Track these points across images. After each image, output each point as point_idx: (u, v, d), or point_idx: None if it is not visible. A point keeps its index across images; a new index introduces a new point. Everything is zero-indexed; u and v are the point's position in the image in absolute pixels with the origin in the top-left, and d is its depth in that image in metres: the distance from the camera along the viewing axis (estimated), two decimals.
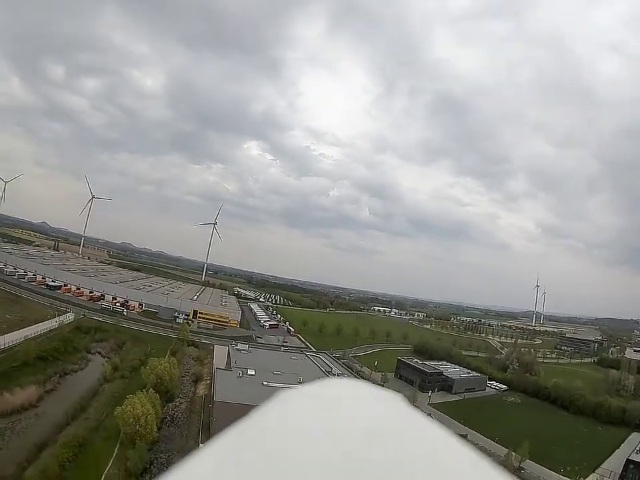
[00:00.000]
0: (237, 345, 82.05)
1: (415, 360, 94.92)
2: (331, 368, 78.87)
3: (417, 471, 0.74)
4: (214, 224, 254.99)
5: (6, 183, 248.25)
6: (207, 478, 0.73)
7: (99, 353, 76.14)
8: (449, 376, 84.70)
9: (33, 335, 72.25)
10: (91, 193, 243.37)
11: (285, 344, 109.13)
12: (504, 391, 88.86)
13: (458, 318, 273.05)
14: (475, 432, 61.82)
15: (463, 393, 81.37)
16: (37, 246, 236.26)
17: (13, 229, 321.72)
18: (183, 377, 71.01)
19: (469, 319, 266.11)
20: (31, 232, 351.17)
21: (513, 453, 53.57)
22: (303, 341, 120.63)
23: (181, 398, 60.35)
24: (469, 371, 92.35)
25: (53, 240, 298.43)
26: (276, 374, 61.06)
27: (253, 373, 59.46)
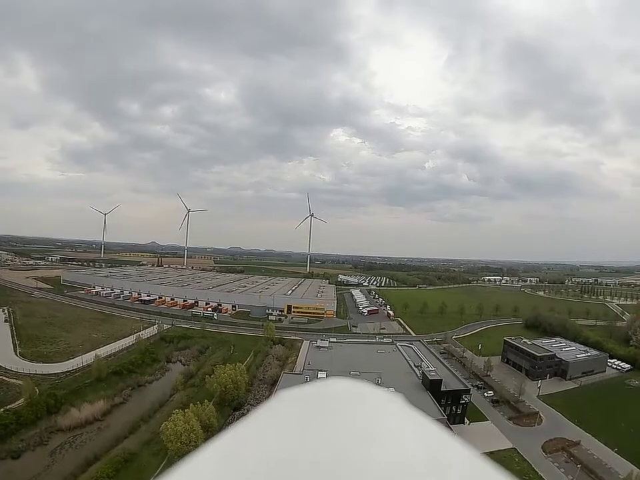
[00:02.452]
0: (316, 342, 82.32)
1: (524, 340, 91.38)
2: (422, 360, 74.48)
3: (417, 471, 0.84)
4: (310, 215, 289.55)
5: (105, 214, 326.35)
6: (206, 478, 0.86)
7: (180, 361, 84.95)
8: (563, 358, 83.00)
9: (114, 351, 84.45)
10: (186, 207, 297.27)
11: (382, 331, 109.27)
12: (627, 371, 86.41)
13: (572, 280, 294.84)
14: (590, 436, 56.42)
15: (579, 377, 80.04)
16: (142, 265, 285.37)
17: (120, 253, 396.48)
18: (262, 379, 74.50)
19: (584, 280, 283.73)
20: (139, 253, 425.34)
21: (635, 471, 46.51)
22: (403, 326, 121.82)
23: (251, 404, 62.39)
24: (587, 349, 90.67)
25: (160, 257, 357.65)
26: (353, 374, 58.40)
27: (324, 376, 57.59)
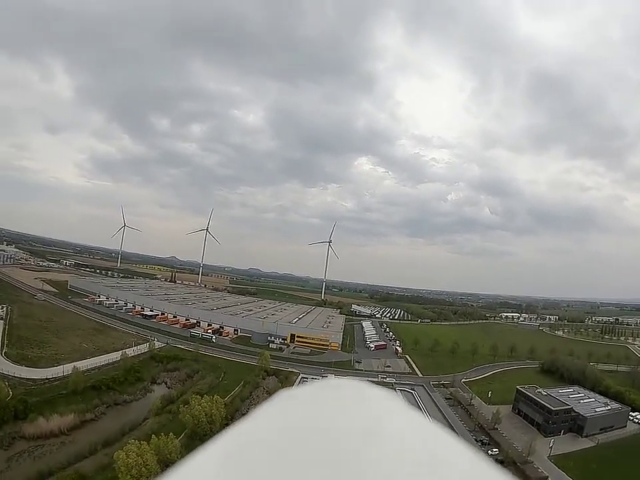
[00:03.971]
0: (307, 379, 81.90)
1: (538, 391, 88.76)
2: (421, 410, 72.00)
3: (416, 471, 0.90)
4: (329, 242, 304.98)
5: (125, 227, 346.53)
6: (207, 478, 0.91)
7: (165, 383, 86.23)
8: (580, 413, 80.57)
9: (99, 364, 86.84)
10: (208, 226, 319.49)
11: (386, 369, 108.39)
12: None
13: (592, 319, 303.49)
14: None
15: (597, 434, 77.88)
16: (155, 278, 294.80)
17: (137, 265, 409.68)
18: (245, 414, 74.09)
19: (604, 319, 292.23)
20: (157, 266, 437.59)
21: None
22: (410, 364, 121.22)
23: None
24: (606, 401, 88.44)
25: (178, 272, 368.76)
26: None
27: None
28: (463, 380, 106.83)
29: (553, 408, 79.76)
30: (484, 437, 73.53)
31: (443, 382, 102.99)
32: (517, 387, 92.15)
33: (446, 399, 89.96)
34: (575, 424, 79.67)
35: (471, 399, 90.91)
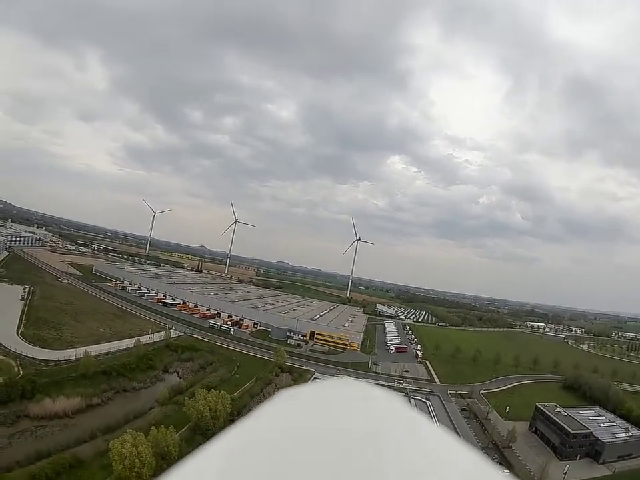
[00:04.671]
0: (319, 379, 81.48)
1: (558, 410, 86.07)
2: (434, 419, 70.19)
3: (417, 472, 0.93)
4: (357, 239, 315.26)
5: (155, 213, 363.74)
6: (212, 476, 0.94)
7: (177, 373, 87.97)
8: (599, 438, 77.48)
9: (113, 349, 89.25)
10: (235, 217, 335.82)
11: (404, 374, 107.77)
12: None
13: (619, 334, 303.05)
14: None
15: (614, 461, 75.32)
16: (182, 267, 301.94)
17: (167, 253, 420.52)
18: (252, 410, 74.30)
19: (631, 335, 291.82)
20: (185, 255, 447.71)
21: None
22: (429, 370, 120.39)
23: None
24: (628, 426, 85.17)
25: (206, 262, 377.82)
26: None
27: None
28: (482, 391, 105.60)
29: (571, 431, 77.46)
30: (496, 456, 71.56)
31: (460, 392, 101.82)
32: (537, 403, 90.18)
33: (462, 410, 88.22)
34: (592, 449, 77.20)
35: (487, 413, 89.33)
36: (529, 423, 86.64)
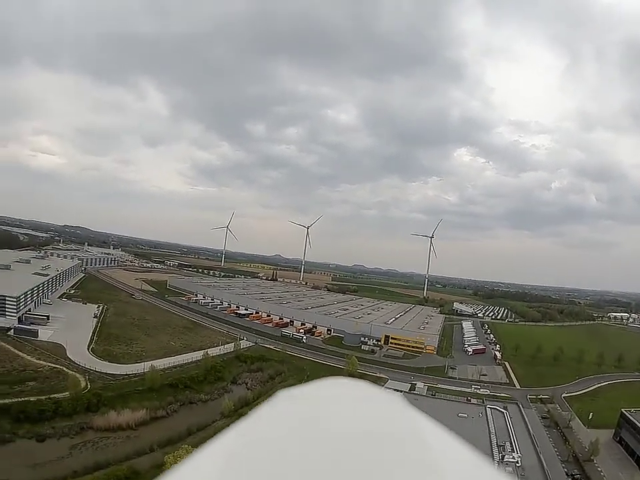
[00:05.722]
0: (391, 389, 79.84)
1: None
2: (510, 437, 65.97)
3: (417, 472, 0.97)
4: (430, 237, 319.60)
5: (227, 227, 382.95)
6: (212, 477, 0.98)
7: (245, 384, 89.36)
8: None
9: (181, 362, 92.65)
10: (309, 224, 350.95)
11: (482, 378, 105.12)
12: None
13: None
14: None
15: None
16: (258, 277, 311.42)
17: (242, 264, 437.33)
18: None
19: None
20: (261, 265, 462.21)
21: None
22: (508, 373, 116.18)
23: None
24: None
25: (282, 270, 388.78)
26: None
27: None
28: (564, 394, 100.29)
29: None
30: (576, 471, 64.96)
31: (541, 396, 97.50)
32: (622, 410, 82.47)
33: (542, 418, 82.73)
34: None
35: (569, 420, 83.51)
36: (613, 431, 79.82)
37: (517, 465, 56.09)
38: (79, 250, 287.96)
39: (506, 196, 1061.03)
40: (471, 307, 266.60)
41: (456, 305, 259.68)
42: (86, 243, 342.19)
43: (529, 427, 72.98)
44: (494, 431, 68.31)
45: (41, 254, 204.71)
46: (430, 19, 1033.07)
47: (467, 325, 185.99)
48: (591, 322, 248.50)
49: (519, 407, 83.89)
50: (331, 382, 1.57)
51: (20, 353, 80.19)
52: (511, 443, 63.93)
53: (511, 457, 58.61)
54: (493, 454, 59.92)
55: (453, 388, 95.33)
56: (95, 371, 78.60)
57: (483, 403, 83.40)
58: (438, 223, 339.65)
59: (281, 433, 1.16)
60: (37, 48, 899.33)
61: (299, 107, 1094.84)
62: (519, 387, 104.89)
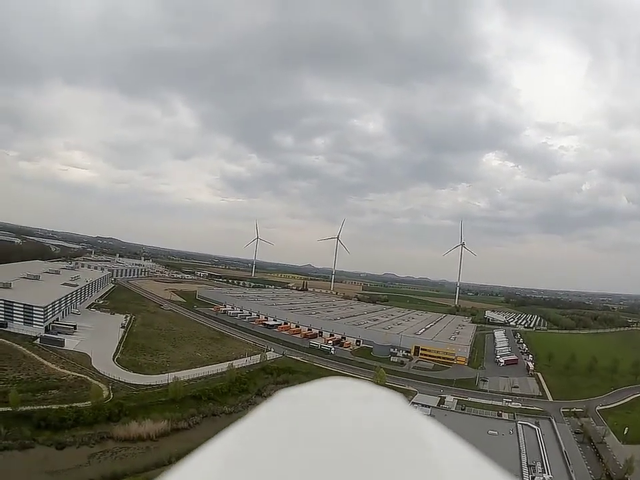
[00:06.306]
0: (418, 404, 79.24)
1: None
2: (541, 455, 63.91)
3: (417, 472, 0.98)
4: (462, 244, 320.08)
5: (258, 238, 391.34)
6: (207, 478, 1.01)
7: (270, 396, 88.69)
8: None
9: (206, 374, 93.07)
10: (339, 234, 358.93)
11: (513, 390, 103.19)
12: None
13: None
14: None
15: None
16: (288, 287, 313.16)
17: (272, 274, 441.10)
18: None
19: None
20: (292, 275, 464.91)
21: None
22: (540, 385, 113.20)
23: None
24: None
25: (312, 280, 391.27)
26: None
27: None
28: (599, 407, 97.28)
29: None
30: None
31: (574, 409, 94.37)
32: None
33: (576, 433, 79.60)
34: None
35: (603, 435, 79.83)
36: None
37: None
38: (110, 261, 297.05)
39: (536, 200, 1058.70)
40: (503, 315, 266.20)
41: (488, 314, 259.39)
42: (117, 254, 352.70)
43: (561, 444, 70.41)
44: (524, 450, 66.12)
45: (71, 265, 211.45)
46: (450, 23, 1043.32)
47: (499, 335, 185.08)
48: (626, 328, 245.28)
49: (551, 422, 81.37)
50: (331, 382, 1.59)
51: (45, 362, 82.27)
52: (542, 463, 61.73)
53: (542, 478, 56.60)
54: (522, 474, 57.84)
55: (484, 401, 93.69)
56: (119, 380, 79.83)
57: (514, 418, 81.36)
58: (461, 226, 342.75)
59: (280, 432, 1.17)
60: (66, 67, 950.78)
61: (325, 117, 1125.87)
62: (551, 400, 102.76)
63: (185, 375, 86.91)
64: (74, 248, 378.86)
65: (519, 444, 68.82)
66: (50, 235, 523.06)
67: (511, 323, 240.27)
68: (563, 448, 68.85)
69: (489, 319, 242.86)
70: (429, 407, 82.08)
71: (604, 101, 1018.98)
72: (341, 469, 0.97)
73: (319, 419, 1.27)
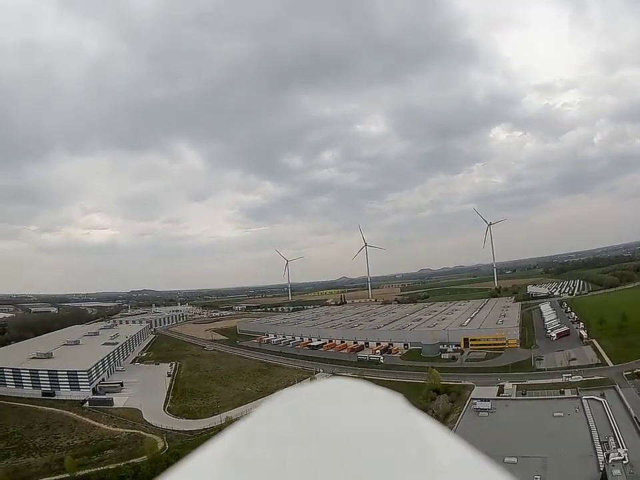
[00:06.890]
0: (475, 404, 78.66)
1: None
2: (613, 430, 60.93)
3: (417, 472, 1.03)
4: (488, 225, 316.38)
5: (287, 261, 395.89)
6: (213, 477, 1.07)
7: None
8: None
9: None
10: (364, 241, 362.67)
11: (571, 363, 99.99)
12: None
13: None
14: None
15: None
16: (327, 304, 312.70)
17: (309, 293, 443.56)
18: None
19: None
20: (328, 290, 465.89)
21: None
22: (598, 352, 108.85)
23: None
24: None
25: (349, 291, 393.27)
26: (508, 461, 51.71)
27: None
28: None
29: None
30: None
31: (637, 370, 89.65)
32: None
33: None
34: None
35: None
36: None
37: (624, 462, 50.52)
38: (147, 312, 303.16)
39: (551, 163, 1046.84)
40: (546, 287, 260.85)
41: (530, 289, 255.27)
42: (153, 305, 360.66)
43: (631, 412, 67.28)
44: (594, 427, 63.53)
45: (109, 323, 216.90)
46: (427, 9, 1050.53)
47: (545, 308, 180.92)
48: None
49: (616, 389, 78.02)
50: (331, 382, 1.61)
51: (96, 423, 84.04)
52: (615, 437, 58.96)
53: (617, 453, 53.33)
54: (597, 453, 55.52)
55: (543, 381, 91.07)
56: (172, 430, 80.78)
57: (578, 393, 78.22)
58: (477, 211, 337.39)
59: (280, 432, 1.19)
60: (65, 137, 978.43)
61: (328, 130, 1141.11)
62: (612, 365, 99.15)
63: (236, 412, 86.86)
64: (110, 306, 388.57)
65: (587, 421, 66.40)
66: (84, 298, 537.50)
67: (554, 294, 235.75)
68: (633, 414, 65.94)
69: (531, 294, 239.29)
70: (489, 400, 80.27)
71: (594, 48, 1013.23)
72: (340, 469, 0.98)
73: (319, 418, 1.28)
